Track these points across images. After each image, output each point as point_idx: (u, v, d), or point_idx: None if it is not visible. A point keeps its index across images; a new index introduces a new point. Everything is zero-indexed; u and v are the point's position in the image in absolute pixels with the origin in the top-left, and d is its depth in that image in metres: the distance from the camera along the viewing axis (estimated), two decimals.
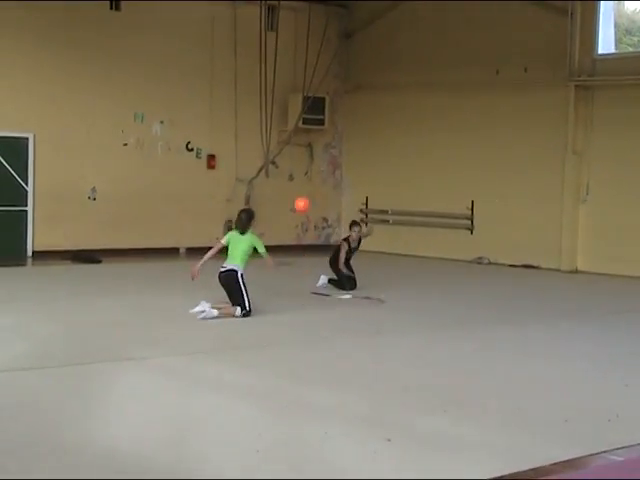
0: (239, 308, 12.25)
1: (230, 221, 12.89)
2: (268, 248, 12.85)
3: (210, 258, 12.51)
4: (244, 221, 12.68)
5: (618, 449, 6.85)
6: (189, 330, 11.49)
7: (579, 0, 19.26)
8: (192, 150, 21.32)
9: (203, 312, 12.00)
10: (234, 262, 12.48)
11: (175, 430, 7.17)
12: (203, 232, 21.19)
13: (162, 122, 20.76)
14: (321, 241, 23.37)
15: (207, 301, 12.15)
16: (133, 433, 7.03)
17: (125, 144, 20.31)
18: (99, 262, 18.73)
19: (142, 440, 6.85)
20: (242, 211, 13.09)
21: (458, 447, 6.88)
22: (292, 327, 11.93)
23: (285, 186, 22.56)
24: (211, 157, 21.55)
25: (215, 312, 12.07)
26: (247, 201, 21.90)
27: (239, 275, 12.40)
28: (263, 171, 21.94)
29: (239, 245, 12.51)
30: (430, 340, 11.27)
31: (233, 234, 12.73)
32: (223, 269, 12.53)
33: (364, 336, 11.46)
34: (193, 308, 12.15)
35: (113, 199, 19.99)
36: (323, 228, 23.59)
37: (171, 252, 20.72)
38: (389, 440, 6.91)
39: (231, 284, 12.40)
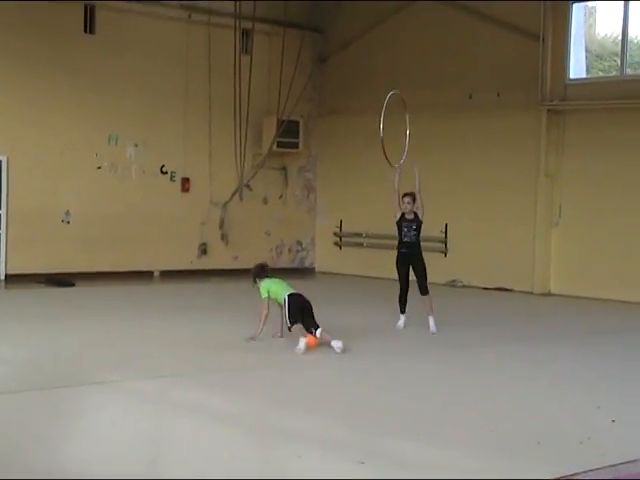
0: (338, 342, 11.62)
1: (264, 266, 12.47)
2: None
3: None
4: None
5: (590, 471, 6.87)
6: (162, 353, 11.44)
7: (551, 25, 19.44)
8: (166, 173, 21.29)
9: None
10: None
11: (147, 454, 7.13)
12: (177, 255, 21.22)
13: (136, 145, 20.73)
14: (295, 264, 23.35)
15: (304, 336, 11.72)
16: (103, 456, 6.98)
17: (99, 167, 20.26)
18: (73, 285, 18.66)
19: (113, 463, 6.80)
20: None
21: (431, 470, 6.87)
22: (268, 351, 11.88)
23: (259, 209, 22.57)
24: (185, 180, 21.53)
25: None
26: (221, 224, 21.90)
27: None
28: (237, 194, 21.92)
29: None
30: (406, 363, 11.27)
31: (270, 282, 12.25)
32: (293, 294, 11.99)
33: (340, 359, 11.44)
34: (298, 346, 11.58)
35: (87, 222, 19.92)
36: (297, 251, 23.58)
37: (145, 275, 20.67)
38: (362, 463, 6.90)
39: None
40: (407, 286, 13.78)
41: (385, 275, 21.08)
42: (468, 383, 10.21)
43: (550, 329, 14.86)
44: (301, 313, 11.70)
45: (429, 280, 13.70)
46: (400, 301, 13.81)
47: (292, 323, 11.70)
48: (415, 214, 13.66)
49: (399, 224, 13.73)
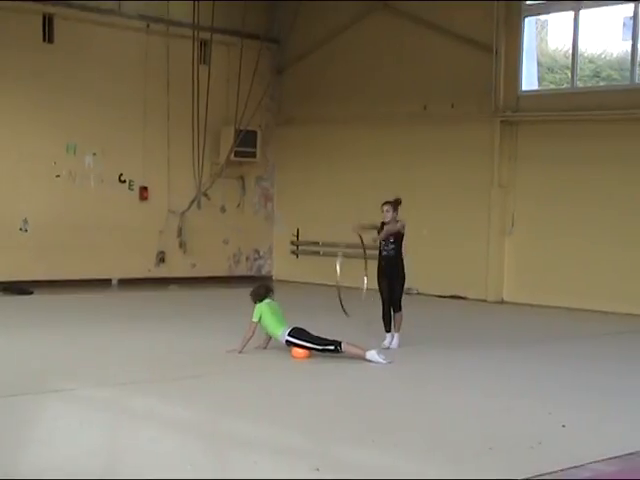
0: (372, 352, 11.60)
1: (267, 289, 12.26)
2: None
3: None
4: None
5: (540, 475, 6.92)
6: (119, 361, 11.39)
7: (504, 38, 19.60)
8: (125, 182, 21.19)
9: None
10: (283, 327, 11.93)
11: (102, 461, 7.10)
12: (135, 263, 21.12)
13: (94, 154, 20.61)
14: (253, 272, 23.32)
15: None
16: (60, 464, 6.93)
17: (57, 176, 20.12)
18: (31, 293, 18.52)
19: (70, 470, 6.75)
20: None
21: (383, 476, 6.90)
22: (224, 360, 11.85)
23: (217, 218, 22.53)
24: (144, 189, 21.43)
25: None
26: (179, 233, 21.84)
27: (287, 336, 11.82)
28: (195, 203, 21.88)
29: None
30: (359, 370, 11.27)
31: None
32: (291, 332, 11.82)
33: (292, 367, 11.44)
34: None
35: (45, 230, 19.77)
36: (255, 259, 23.55)
37: (103, 283, 20.54)
38: (317, 470, 6.91)
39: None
40: (390, 302, 12.97)
41: (342, 283, 21.17)
42: (420, 391, 10.24)
43: (502, 336, 14.93)
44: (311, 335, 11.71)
45: None
46: (384, 319, 12.97)
47: (332, 345, 11.60)
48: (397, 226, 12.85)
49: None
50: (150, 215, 21.44)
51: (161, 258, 21.73)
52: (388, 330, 12.95)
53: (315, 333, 11.80)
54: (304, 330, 11.81)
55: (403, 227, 13.00)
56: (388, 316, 12.97)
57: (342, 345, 11.56)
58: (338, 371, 11.12)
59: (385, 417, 8.90)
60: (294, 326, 11.83)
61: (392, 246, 12.93)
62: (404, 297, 13.32)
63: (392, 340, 12.85)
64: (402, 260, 13.14)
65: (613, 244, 18.19)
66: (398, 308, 12.99)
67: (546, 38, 20.76)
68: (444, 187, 20.51)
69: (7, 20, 19.14)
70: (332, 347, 11.58)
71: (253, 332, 11.85)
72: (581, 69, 19.48)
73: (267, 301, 12.02)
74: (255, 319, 11.87)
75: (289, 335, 11.70)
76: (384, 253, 12.99)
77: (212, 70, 21.48)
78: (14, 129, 19.45)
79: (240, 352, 11.77)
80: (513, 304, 19.23)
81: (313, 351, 11.69)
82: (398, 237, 12.94)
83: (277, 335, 11.85)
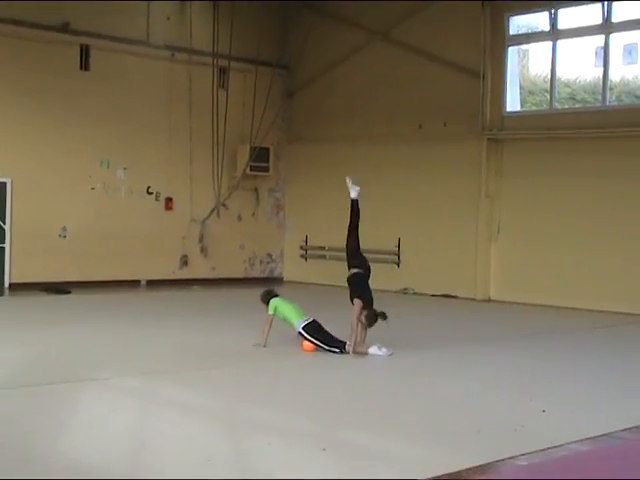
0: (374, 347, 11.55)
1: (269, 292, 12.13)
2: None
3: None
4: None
5: (522, 455, 6.94)
6: (147, 353, 11.42)
7: (490, 65, 19.63)
8: (152, 193, 21.23)
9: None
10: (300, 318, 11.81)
11: (133, 442, 7.13)
12: (161, 266, 21.17)
13: (125, 168, 20.66)
14: (266, 274, 23.32)
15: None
16: (97, 446, 6.97)
17: (92, 188, 20.18)
18: (69, 293, 18.57)
19: (104, 452, 6.79)
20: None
21: (383, 456, 6.92)
22: (241, 351, 11.87)
23: (234, 225, 22.56)
24: (169, 200, 21.47)
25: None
26: (201, 239, 21.88)
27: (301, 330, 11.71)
28: (215, 212, 21.92)
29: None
30: (361, 363, 11.26)
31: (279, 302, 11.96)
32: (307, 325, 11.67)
33: (303, 361, 11.46)
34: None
35: (82, 237, 19.83)
36: (268, 263, 23.56)
37: (133, 284, 20.59)
38: (324, 449, 6.94)
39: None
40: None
41: (345, 284, 21.21)
42: (414, 381, 10.22)
43: (489, 332, 14.94)
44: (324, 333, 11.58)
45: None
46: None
47: (337, 348, 11.50)
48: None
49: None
50: (174, 223, 21.47)
51: (184, 261, 21.76)
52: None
53: (328, 328, 11.71)
54: (319, 326, 11.68)
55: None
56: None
57: (346, 346, 11.48)
58: (344, 364, 11.07)
59: (384, 404, 8.91)
60: (312, 319, 11.67)
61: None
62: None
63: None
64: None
65: (587, 249, 18.19)
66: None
67: (527, 65, 20.72)
68: (437, 198, 20.52)
69: (49, 51, 19.26)
70: (337, 350, 11.50)
71: (270, 324, 11.77)
72: (559, 92, 19.46)
73: (276, 298, 11.98)
74: (270, 312, 11.80)
75: (303, 329, 11.63)
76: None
77: (230, 94, 21.53)
78: (55, 147, 19.51)
79: (264, 346, 11.71)
80: (499, 302, 19.23)
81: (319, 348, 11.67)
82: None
83: (294, 324, 11.73)
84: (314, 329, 11.65)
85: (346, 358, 11.33)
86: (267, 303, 11.93)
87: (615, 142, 17.90)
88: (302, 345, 11.76)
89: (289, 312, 11.81)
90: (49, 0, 19.02)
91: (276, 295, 12.06)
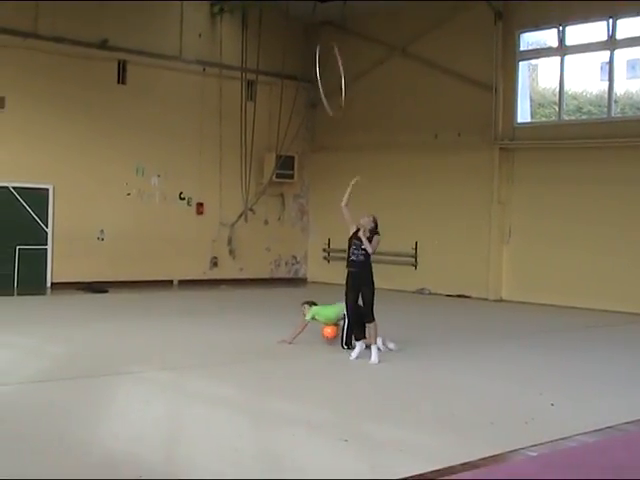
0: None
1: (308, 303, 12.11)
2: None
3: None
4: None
5: (533, 446, 6.90)
6: (178, 349, 11.42)
7: (501, 79, 19.56)
8: (184, 199, 21.29)
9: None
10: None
11: (166, 431, 7.13)
12: (193, 267, 21.22)
13: (159, 176, 20.74)
14: (291, 275, 23.34)
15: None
16: (131, 432, 6.98)
17: (128, 194, 20.27)
18: (106, 292, 18.63)
19: (139, 440, 6.80)
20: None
21: (402, 446, 6.88)
22: (267, 347, 11.86)
23: (261, 229, 22.59)
24: (200, 205, 21.53)
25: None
26: (229, 242, 21.91)
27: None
28: (243, 217, 21.94)
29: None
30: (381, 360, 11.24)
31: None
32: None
33: (325, 357, 11.43)
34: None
35: (118, 239, 19.92)
36: (292, 264, 23.57)
37: (166, 283, 20.65)
38: (346, 440, 6.91)
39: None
40: (355, 316, 11.02)
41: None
42: (430, 376, 10.17)
43: (501, 329, 14.88)
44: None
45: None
46: (350, 330, 11.23)
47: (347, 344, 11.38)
48: (369, 238, 11.29)
49: (349, 241, 11.53)
50: (205, 227, 21.52)
51: (214, 263, 21.80)
52: (358, 339, 11.03)
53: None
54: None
55: (378, 242, 11.33)
56: (350, 330, 11.20)
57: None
58: (365, 361, 10.80)
59: (403, 398, 8.86)
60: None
61: (362, 252, 11.20)
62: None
63: (364, 352, 10.85)
64: (371, 267, 11.26)
65: (593, 252, 18.10)
66: (370, 318, 10.84)
67: (537, 79, 20.65)
68: (452, 203, 20.46)
69: (89, 66, 19.38)
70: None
71: (303, 329, 11.72)
72: (566, 105, 19.38)
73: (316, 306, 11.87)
74: (308, 318, 11.70)
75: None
76: (352, 257, 11.27)
77: (257, 106, 21.56)
78: (94, 155, 19.60)
79: (290, 343, 11.69)
80: (510, 302, 19.15)
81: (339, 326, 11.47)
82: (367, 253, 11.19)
83: (332, 319, 11.67)
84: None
85: (366, 356, 11.26)
86: (310, 306, 11.82)
87: (620, 152, 17.81)
88: (322, 332, 11.68)
89: (328, 313, 11.73)
90: (89, 18, 19.15)
91: (315, 304, 11.99)
